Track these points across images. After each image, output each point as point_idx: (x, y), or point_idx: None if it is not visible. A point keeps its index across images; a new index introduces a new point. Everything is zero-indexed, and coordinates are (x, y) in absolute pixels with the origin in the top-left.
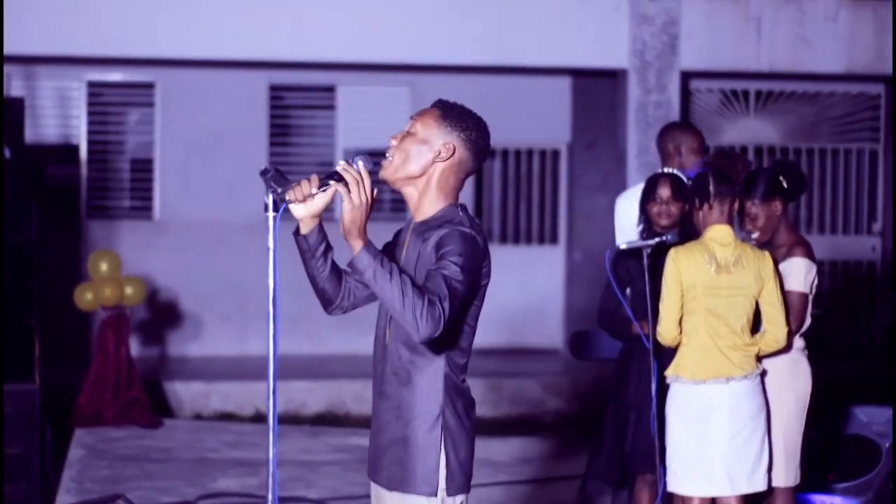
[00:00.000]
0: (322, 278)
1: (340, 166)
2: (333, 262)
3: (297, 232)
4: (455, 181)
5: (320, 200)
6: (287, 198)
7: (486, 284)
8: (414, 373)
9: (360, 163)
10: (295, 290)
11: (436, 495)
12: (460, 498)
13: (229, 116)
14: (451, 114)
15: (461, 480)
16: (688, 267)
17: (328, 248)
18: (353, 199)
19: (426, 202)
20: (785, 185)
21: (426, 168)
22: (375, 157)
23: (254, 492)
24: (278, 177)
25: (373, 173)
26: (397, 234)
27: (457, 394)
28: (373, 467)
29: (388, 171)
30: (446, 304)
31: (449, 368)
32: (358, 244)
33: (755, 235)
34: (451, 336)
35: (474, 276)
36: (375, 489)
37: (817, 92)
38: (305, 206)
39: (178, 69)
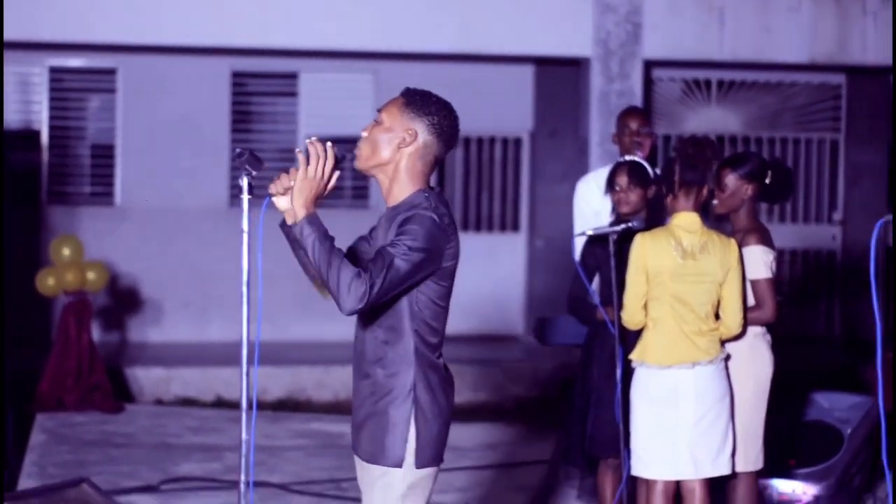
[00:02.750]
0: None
1: (308, 141)
2: None
3: (283, 223)
4: (422, 166)
5: None
6: (270, 190)
7: (453, 266)
8: (387, 350)
9: (330, 146)
10: (257, 276)
11: (401, 466)
12: (428, 471)
13: (191, 103)
14: (415, 100)
15: (430, 454)
16: (654, 253)
17: None
18: (308, 171)
19: (395, 188)
20: (768, 179)
21: (393, 155)
22: (347, 146)
23: (216, 476)
24: (253, 160)
25: (344, 162)
26: (380, 218)
27: (430, 370)
28: (353, 442)
29: (360, 162)
30: (377, 280)
31: (421, 345)
32: (302, 212)
33: (715, 202)
34: (414, 313)
35: (427, 254)
36: (357, 462)
37: (779, 82)
38: (288, 199)
39: (140, 55)
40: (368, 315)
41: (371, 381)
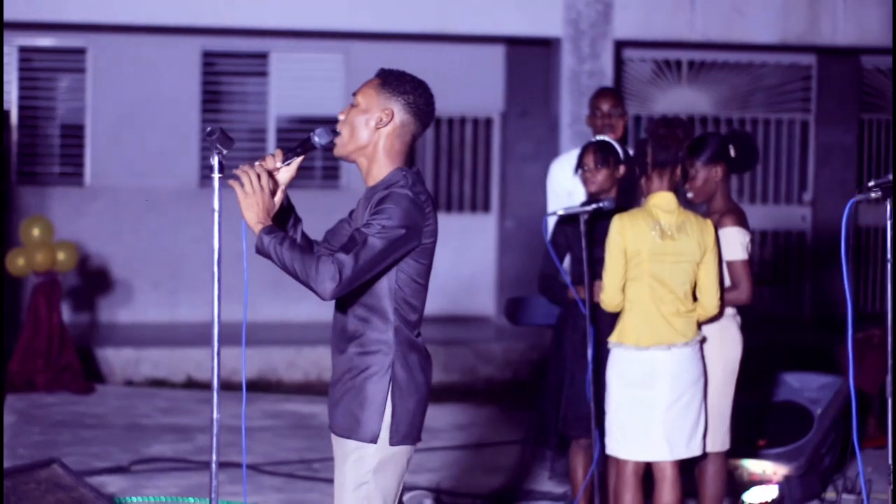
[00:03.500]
0: None
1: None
2: (303, 233)
3: None
4: (400, 145)
5: (286, 174)
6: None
7: (431, 244)
8: (366, 329)
9: (316, 138)
10: (227, 256)
11: (376, 442)
12: (403, 448)
13: (161, 83)
14: (390, 80)
15: (406, 432)
16: (633, 234)
17: (297, 220)
18: (244, 189)
19: (374, 169)
20: (732, 153)
21: (371, 136)
22: (333, 127)
23: (187, 457)
24: (224, 138)
25: (332, 143)
26: (359, 201)
27: (409, 348)
28: (330, 418)
29: (340, 148)
30: (348, 258)
31: (400, 323)
32: (257, 228)
33: (690, 195)
34: (394, 292)
35: (406, 230)
36: (333, 438)
37: (750, 62)
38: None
39: (110, 35)
40: (348, 293)
41: (349, 357)
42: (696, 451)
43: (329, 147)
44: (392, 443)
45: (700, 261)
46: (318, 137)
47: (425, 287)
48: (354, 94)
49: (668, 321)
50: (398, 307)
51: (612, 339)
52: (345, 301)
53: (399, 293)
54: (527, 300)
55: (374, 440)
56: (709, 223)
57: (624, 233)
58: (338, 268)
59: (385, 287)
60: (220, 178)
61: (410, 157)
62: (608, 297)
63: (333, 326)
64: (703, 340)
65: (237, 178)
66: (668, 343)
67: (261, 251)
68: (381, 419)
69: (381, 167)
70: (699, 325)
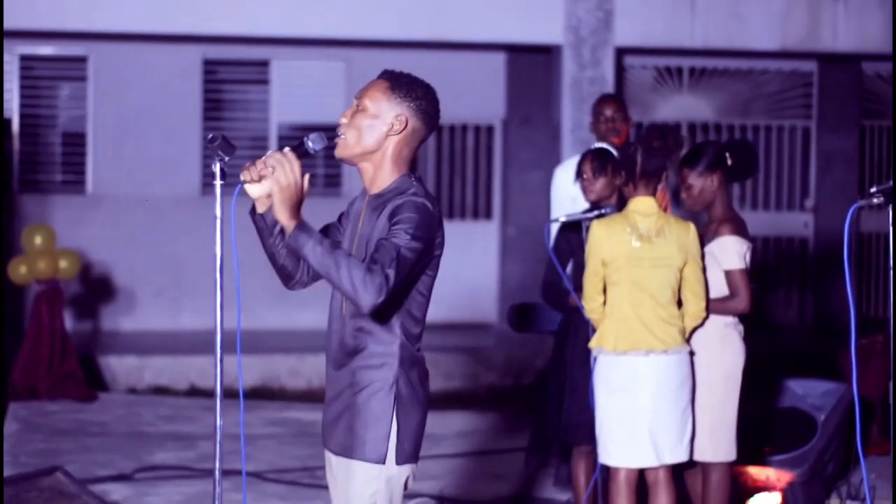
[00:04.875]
0: (281, 255)
1: (269, 154)
2: None
3: (252, 211)
4: (408, 151)
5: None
6: (242, 178)
7: (440, 255)
8: (370, 342)
9: (309, 143)
10: (229, 264)
11: (383, 463)
12: (408, 467)
13: (163, 91)
14: (400, 84)
15: (410, 450)
16: (609, 239)
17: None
18: (279, 180)
19: (381, 175)
20: (729, 162)
21: (380, 142)
22: (329, 133)
23: (190, 465)
24: (225, 145)
25: (327, 149)
26: (350, 205)
27: (412, 364)
28: (326, 435)
29: (343, 150)
30: (391, 271)
31: (404, 338)
32: (291, 224)
33: (687, 204)
34: (403, 305)
35: (426, 243)
36: (328, 456)
37: (751, 69)
38: (260, 186)
39: (111, 43)
40: (350, 303)
41: (350, 371)
42: (682, 457)
43: (328, 150)
44: (398, 462)
45: (682, 265)
46: (313, 143)
47: (428, 300)
48: (359, 97)
49: (647, 327)
50: (403, 321)
51: (592, 345)
52: (345, 312)
53: (405, 306)
54: (530, 307)
55: (380, 460)
56: (691, 226)
57: (600, 239)
58: (384, 279)
59: (392, 299)
60: (221, 185)
61: (412, 165)
62: (585, 301)
63: (329, 338)
64: (692, 354)
65: (297, 157)
66: (647, 349)
67: (291, 248)
68: (387, 438)
69: (388, 173)
70: (690, 333)
